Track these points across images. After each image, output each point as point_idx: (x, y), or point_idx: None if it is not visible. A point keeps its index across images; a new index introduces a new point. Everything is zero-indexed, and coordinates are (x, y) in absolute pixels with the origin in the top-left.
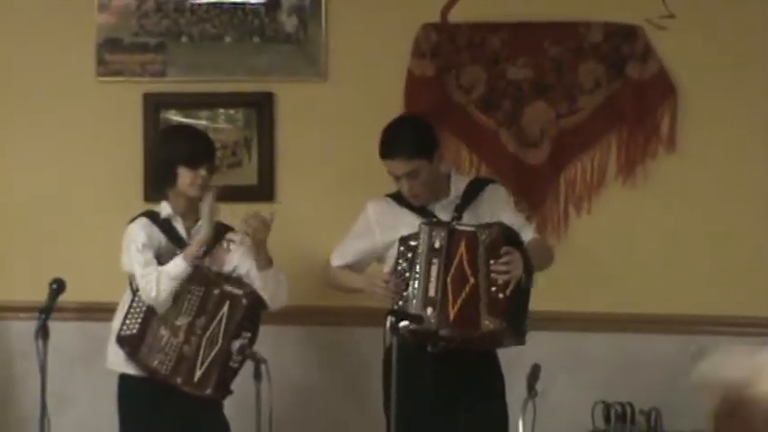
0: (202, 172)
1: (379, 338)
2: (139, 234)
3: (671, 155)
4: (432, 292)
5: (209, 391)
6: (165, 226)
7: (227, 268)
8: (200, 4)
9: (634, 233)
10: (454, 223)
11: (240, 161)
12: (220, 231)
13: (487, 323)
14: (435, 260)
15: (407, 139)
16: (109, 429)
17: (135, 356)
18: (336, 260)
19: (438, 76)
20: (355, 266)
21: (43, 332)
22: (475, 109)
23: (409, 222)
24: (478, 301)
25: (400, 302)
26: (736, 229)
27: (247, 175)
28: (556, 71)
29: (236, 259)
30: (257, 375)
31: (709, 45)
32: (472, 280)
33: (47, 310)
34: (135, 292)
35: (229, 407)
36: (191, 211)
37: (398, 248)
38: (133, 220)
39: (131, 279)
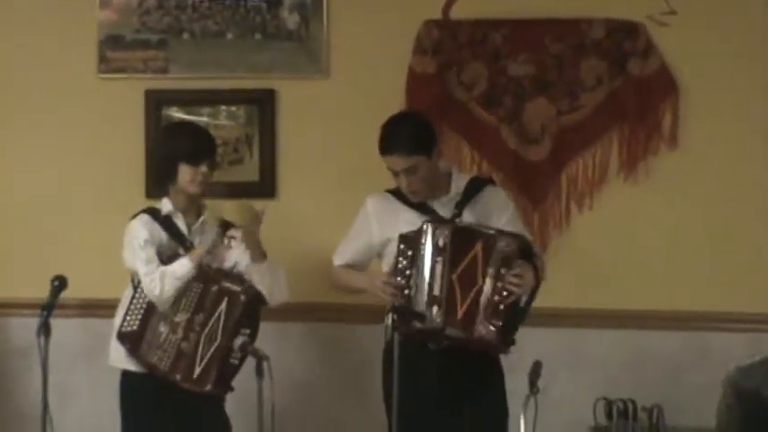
0: (203, 169)
1: (381, 335)
2: (141, 231)
3: (672, 151)
4: (437, 291)
5: (208, 388)
6: (166, 222)
7: (228, 264)
8: (201, 1)
9: (636, 230)
10: (469, 223)
11: (242, 158)
12: (222, 228)
13: (481, 329)
14: (440, 258)
15: (406, 134)
16: (110, 426)
17: (135, 353)
18: (338, 259)
19: (439, 73)
20: (356, 264)
21: (45, 329)
22: (476, 106)
23: (408, 219)
24: (479, 305)
25: (401, 300)
26: (737, 225)
27: (249, 171)
28: (557, 68)
29: (237, 255)
30: (259, 372)
31: (711, 41)
32: (480, 282)
33: (49, 307)
34: (136, 288)
35: (231, 403)
36: (191, 208)
37: (398, 246)
38: (134, 216)
39: (133, 276)
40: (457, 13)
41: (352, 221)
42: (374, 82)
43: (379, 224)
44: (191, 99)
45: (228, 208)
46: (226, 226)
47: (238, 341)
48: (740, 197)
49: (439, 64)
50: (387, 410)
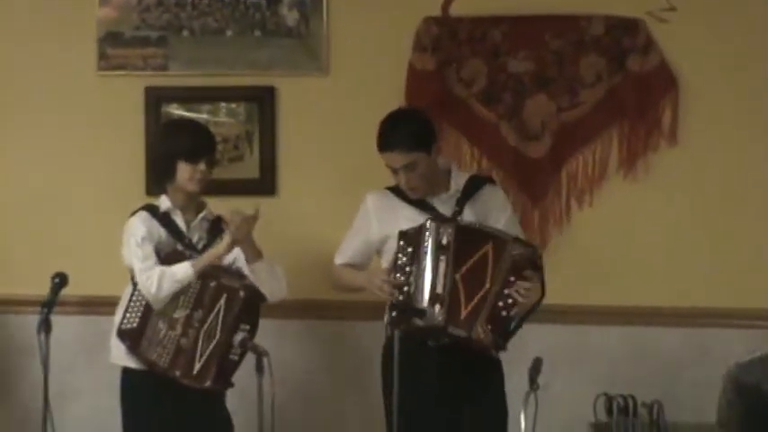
0: (201, 166)
1: (381, 332)
2: (139, 228)
3: (672, 148)
4: (439, 289)
5: (208, 384)
6: (164, 220)
7: (227, 261)
8: None
9: (636, 226)
10: (473, 222)
11: (242, 155)
12: (220, 225)
13: (480, 331)
14: (443, 256)
15: (405, 131)
16: (112, 423)
17: (135, 350)
18: (339, 258)
19: (439, 70)
20: (356, 263)
21: (46, 326)
22: (476, 102)
23: (408, 216)
24: (482, 308)
25: (401, 297)
26: (737, 221)
27: (249, 168)
28: (557, 64)
29: (235, 252)
30: (259, 368)
31: (711, 38)
32: (488, 285)
33: (49, 304)
34: (136, 285)
35: (231, 399)
36: (190, 205)
37: (398, 243)
38: (133, 213)
39: (132, 273)
40: (456, 9)
41: (351, 218)
42: (374, 79)
43: (379, 221)
44: (190, 96)
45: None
46: (224, 223)
47: (238, 337)
48: (740, 193)
49: (438, 61)
50: (386, 407)
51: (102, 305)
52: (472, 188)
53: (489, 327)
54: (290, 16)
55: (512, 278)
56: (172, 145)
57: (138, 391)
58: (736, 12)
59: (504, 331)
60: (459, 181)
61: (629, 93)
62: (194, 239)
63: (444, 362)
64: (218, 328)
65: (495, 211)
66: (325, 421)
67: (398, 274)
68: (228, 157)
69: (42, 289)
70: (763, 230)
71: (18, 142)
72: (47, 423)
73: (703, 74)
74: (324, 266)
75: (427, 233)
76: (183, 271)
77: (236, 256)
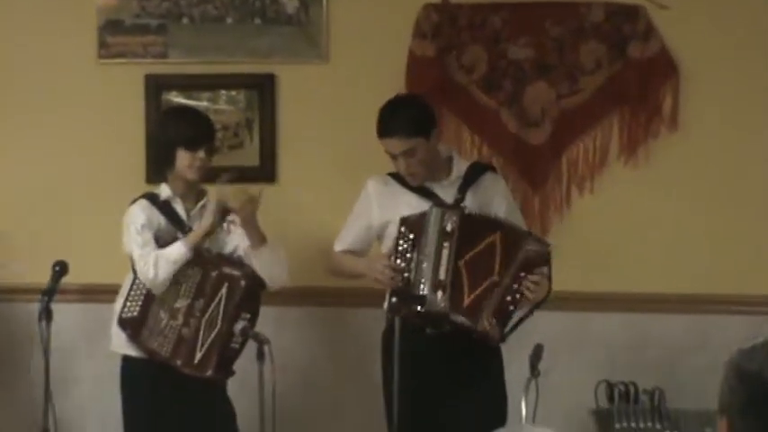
0: (201, 154)
1: (381, 319)
2: (139, 215)
3: (673, 134)
4: (442, 275)
5: (209, 373)
6: (164, 208)
7: (228, 250)
8: None
9: (636, 213)
10: (478, 211)
11: (242, 142)
12: (221, 213)
13: (486, 324)
14: (446, 243)
15: (405, 117)
16: (112, 411)
17: (136, 339)
18: (339, 245)
19: (439, 57)
20: (356, 249)
21: (46, 314)
22: (476, 89)
23: (408, 202)
24: (489, 300)
25: (400, 283)
26: (738, 207)
27: (249, 156)
28: (557, 51)
29: (237, 240)
30: (260, 356)
31: (711, 24)
32: (496, 278)
33: (50, 293)
34: (136, 273)
35: (232, 387)
36: (190, 193)
37: (399, 229)
38: (133, 201)
39: (132, 261)
40: None
41: (351, 205)
42: (374, 66)
43: (380, 206)
44: (190, 84)
45: (228, 194)
46: (225, 211)
47: (239, 326)
48: (741, 179)
49: (439, 48)
50: (385, 394)
51: (103, 293)
52: (474, 175)
53: (495, 319)
54: (290, 4)
55: (522, 273)
56: (171, 133)
57: (139, 379)
58: None
59: (508, 325)
60: (460, 167)
61: (630, 79)
62: (194, 227)
63: (444, 349)
64: (220, 318)
65: (497, 198)
66: (326, 408)
67: (399, 260)
68: (228, 144)
69: (43, 277)
70: (764, 216)
71: (18, 130)
72: (48, 410)
73: (704, 60)
74: (324, 254)
75: (431, 219)
76: (176, 251)
77: (237, 245)
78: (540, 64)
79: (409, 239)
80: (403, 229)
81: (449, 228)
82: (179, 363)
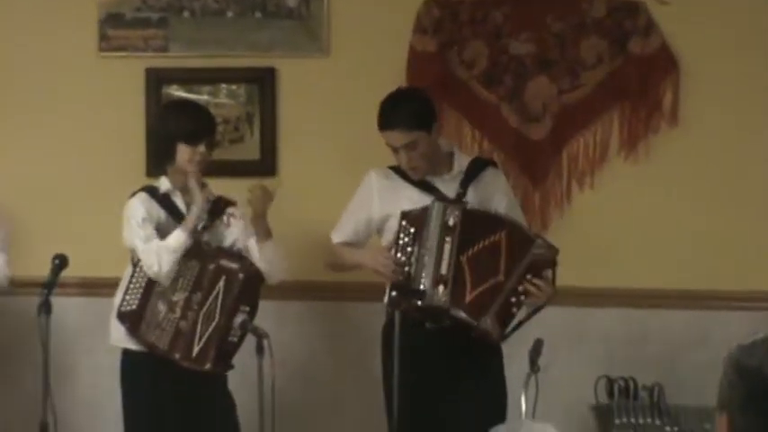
0: (201, 149)
1: (381, 313)
2: (139, 209)
3: (673, 130)
4: (444, 270)
5: (207, 366)
6: (164, 201)
7: (227, 243)
8: None
9: (637, 208)
10: (481, 207)
11: (242, 136)
12: (221, 206)
13: (489, 323)
14: (448, 238)
15: (406, 110)
16: (111, 404)
17: (135, 332)
18: (337, 236)
19: (440, 52)
20: (355, 241)
21: (46, 307)
22: (477, 84)
23: (410, 196)
24: (494, 299)
25: (400, 277)
26: (738, 203)
27: (249, 150)
28: (558, 46)
29: (236, 233)
30: (259, 350)
31: (712, 20)
32: (502, 278)
33: (49, 286)
34: (135, 267)
35: (232, 381)
36: None
37: (400, 223)
38: (133, 194)
39: (132, 254)
40: None
41: (352, 199)
42: (375, 60)
43: (381, 199)
44: (191, 77)
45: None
46: (224, 203)
47: (238, 319)
48: (741, 175)
49: (439, 43)
50: (385, 388)
51: (103, 286)
52: (475, 170)
53: (499, 321)
54: None
55: (529, 276)
56: (171, 127)
57: (139, 372)
58: None
59: (510, 326)
60: (462, 162)
61: (631, 75)
62: None
63: (444, 343)
64: (218, 311)
65: (498, 194)
66: (326, 402)
67: (399, 254)
68: (229, 138)
69: (42, 270)
70: (764, 212)
71: (18, 123)
72: (47, 404)
73: (704, 56)
74: (324, 248)
75: (433, 214)
76: (175, 239)
77: (236, 238)
78: (541, 59)
79: (410, 233)
80: (404, 223)
81: (451, 222)
82: (177, 356)
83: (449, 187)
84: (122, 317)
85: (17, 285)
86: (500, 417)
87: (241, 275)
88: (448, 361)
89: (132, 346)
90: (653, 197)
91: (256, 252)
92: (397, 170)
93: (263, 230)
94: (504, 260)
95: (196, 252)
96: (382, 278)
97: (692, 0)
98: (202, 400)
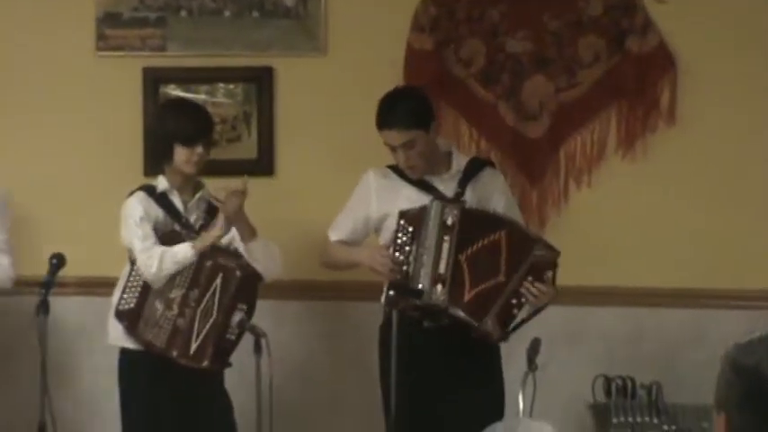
0: (199, 149)
1: (378, 312)
2: (136, 208)
3: (671, 128)
4: (442, 269)
5: (205, 364)
6: (161, 200)
7: (224, 241)
8: None
9: (634, 206)
10: (480, 207)
11: (239, 135)
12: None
13: (490, 324)
14: (447, 237)
15: (404, 109)
16: (110, 403)
17: (133, 331)
18: (334, 234)
19: (437, 50)
20: (352, 240)
21: (44, 307)
22: (474, 82)
23: (408, 195)
24: (495, 301)
25: (398, 276)
26: (736, 201)
27: (247, 149)
28: (555, 45)
29: (232, 232)
30: (257, 349)
31: (709, 18)
32: (502, 278)
33: (47, 285)
34: (133, 265)
35: (229, 380)
36: (187, 186)
37: (398, 222)
38: (131, 194)
39: (130, 253)
40: None
41: (349, 198)
42: (372, 59)
43: (379, 199)
44: (188, 77)
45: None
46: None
47: (236, 317)
48: (739, 174)
49: (437, 41)
50: (383, 388)
51: (101, 286)
52: (473, 169)
53: (500, 323)
54: None
55: (530, 277)
56: (168, 128)
57: (136, 371)
58: None
59: (510, 327)
60: (460, 162)
61: (628, 73)
62: (191, 219)
63: (442, 342)
64: (215, 308)
65: (496, 194)
66: (324, 401)
67: (397, 253)
68: (226, 137)
69: (40, 270)
70: (762, 211)
71: (15, 122)
72: (45, 404)
73: (702, 54)
74: (322, 247)
75: (432, 213)
76: (183, 252)
77: (233, 236)
78: (539, 57)
79: (408, 232)
80: (402, 222)
81: (449, 221)
82: (175, 353)
83: (447, 186)
84: (120, 315)
85: (15, 285)
86: (498, 415)
87: (238, 273)
88: (446, 360)
89: (130, 344)
90: (650, 196)
91: (246, 252)
92: (395, 169)
93: (246, 231)
94: (504, 260)
95: None
96: (379, 277)
97: None
98: (200, 399)
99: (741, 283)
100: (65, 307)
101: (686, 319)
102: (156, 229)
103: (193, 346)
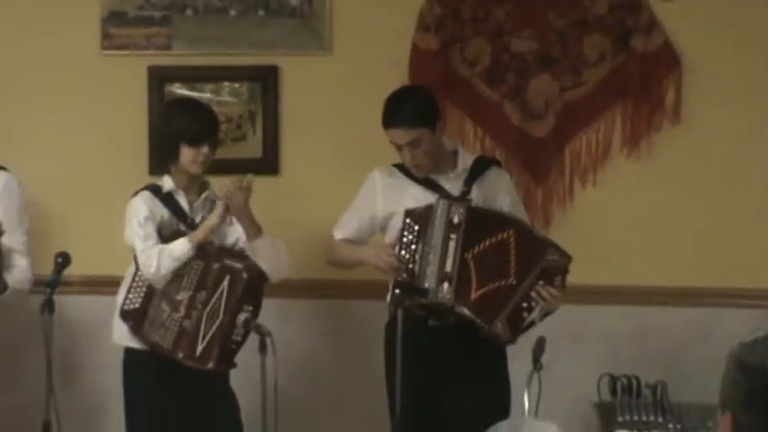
0: (204, 150)
1: (384, 311)
2: (141, 208)
3: (675, 127)
4: (448, 267)
5: (211, 365)
6: (167, 200)
7: (229, 241)
8: None
9: (639, 205)
10: (487, 206)
11: (245, 134)
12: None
13: (500, 327)
14: (453, 235)
15: (410, 107)
16: (114, 403)
17: (138, 331)
18: (339, 233)
19: (442, 50)
20: (357, 238)
21: (49, 306)
22: (479, 82)
23: (414, 194)
24: (506, 304)
25: (404, 274)
26: (740, 200)
27: (252, 148)
28: (560, 44)
29: (238, 231)
30: (262, 348)
31: (714, 17)
32: (513, 281)
33: (52, 284)
34: (138, 266)
35: (234, 379)
36: (193, 185)
37: (404, 220)
38: (136, 193)
39: (134, 252)
40: None
41: (354, 198)
42: (377, 58)
43: (384, 197)
44: (194, 76)
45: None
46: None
47: (241, 318)
48: (743, 172)
49: (442, 40)
50: (388, 387)
51: (106, 285)
52: (479, 168)
53: (510, 326)
54: None
55: (541, 282)
56: (174, 128)
57: (141, 371)
58: None
59: (520, 330)
60: (466, 161)
61: (633, 72)
62: (197, 219)
63: (448, 341)
64: (222, 310)
65: (502, 193)
66: (329, 400)
67: (403, 252)
68: (231, 136)
69: (45, 269)
70: (766, 209)
71: (21, 122)
72: (50, 403)
73: (706, 53)
74: (327, 246)
75: (438, 211)
76: (180, 248)
77: (239, 237)
78: (544, 56)
79: (414, 231)
80: (408, 220)
81: (456, 220)
82: (180, 355)
83: (453, 185)
84: (125, 315)
85: None
86: (503, 414)
87: (245, 275)
88: (451, 358)
89: (135, 344)
90: (655, 195)
91: (252, 251)
92: (401, 168)
93: (251, 227)
94: (514, 262)
95: (199, 251)
96: (385, 275)
97: None
98: (205, 399)
99: (746, 281)
100: (70, 306)
101: (691, 317)
102: (161, 229)
103: (199, 348)
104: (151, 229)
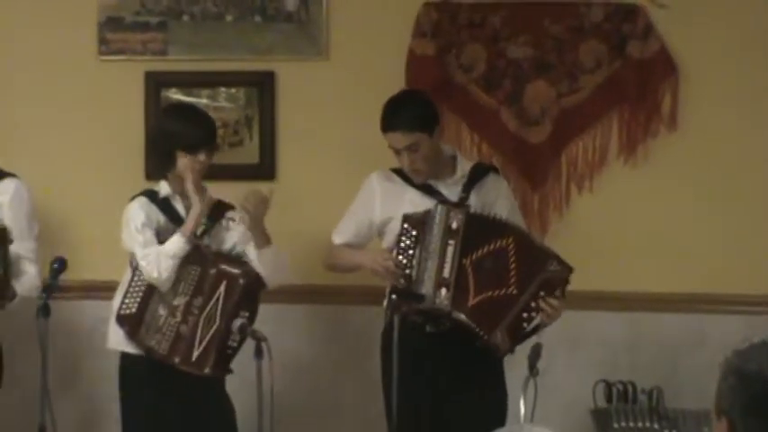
0: (201, 157)
1: (381, 316)
2: (138, 213)
3: (672, 133)
4: (446, 273)
5: (207, 371)
6: (164, 205)
7: (227, 246)
8: None
9: (636, 212)
10: (487, 212)
11: (241, 140)
12: (220, 210)
13: (499, 336)
14: (451, 241)
15: (408, 112)
16: (110, 408)
17: (134, 336)
18: (338, 238)
19: (439, 56)
20: (355, 243)
21: (44, 310)
22: (476, 88)
23: (412, 199)
24: (506, 314)
25: (401, 279)
26: (737, 207)
27: (249, 153)
28: (556, 50)
29: (236, 237)
30: (258, 353)
31: (711, 23)
32: (514, 291)
33: (48, 289)
34: (134, 271)
35: (230, 384)
36: None
37: (402, 226)
38: (132, 198)
39: (131, 258)
40: None
41: (351, 203)
42: (374, 64)
43: (382, 202)
44: (190, 81)
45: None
46: (223, 207)
47: (237, 323)
48: (740, 179)
49: (438, 46)
50: (385, 392)
51: (102, 290)
52: (478, 175)
53: (509, 336)
54: (290, 1)
55: (542, 293)
56: (171, 135)
57: (137, 375)
58: None
59: (519, 341)
60: (464, 167)
61: (629, 79)
62: None
63: (444, 347)
64: (218, 315)
65: (500, 200)
66: (325, 405)
67: (400, 257)
68: (228, 142)
69: (43, 273)
70: (763, 216)
71: (18, 126)
72: (45, 408)
73: (703, 60)
74: (324, 251)
75: (436, 217)
76: (174, 245)
77: (236, 242)
78: (540, 63)
79: (412, 236)
80: (406, 225)
81: (454, 225)
82: (177, 360)
83: (451, 191)
84: (121, 320)
85: None
86: (501, 420)
87: (242, 281)
88: (448, 364)
89: (131, 349)
90: (652, 201)
91: (256, 258)
92: (399, 173)
93: (261, 237)
94: (514, 271)
95: (196, 256)
96: (382, 280)
97: (691, 3)
98: (201, 403)
99: (742, 287)
100: (66, 310)
101: (687, 324)
102: (158, 235)
103: (195, 353)
104: (150, 235)
